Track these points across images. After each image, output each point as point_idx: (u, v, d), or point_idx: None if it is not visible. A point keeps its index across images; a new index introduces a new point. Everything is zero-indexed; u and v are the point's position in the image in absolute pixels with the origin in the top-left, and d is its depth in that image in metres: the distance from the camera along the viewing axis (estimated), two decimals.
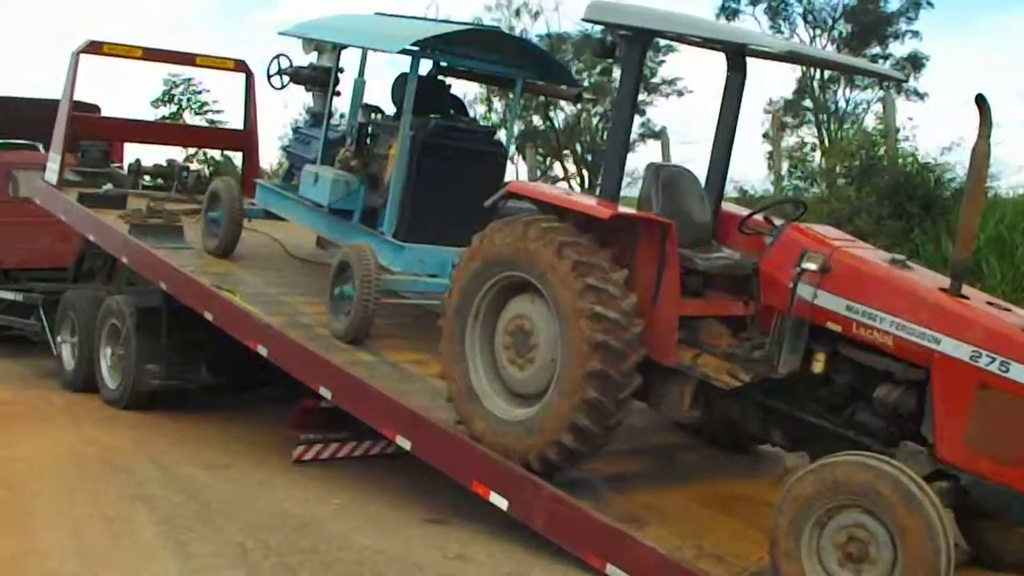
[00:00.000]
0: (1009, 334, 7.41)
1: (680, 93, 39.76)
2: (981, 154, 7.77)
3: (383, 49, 12.30)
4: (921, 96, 44.68)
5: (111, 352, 15.31)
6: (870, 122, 29.74)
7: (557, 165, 40.46)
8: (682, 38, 9.82)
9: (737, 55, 9.54)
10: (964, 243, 7.93)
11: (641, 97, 41.15)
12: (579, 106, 40.60)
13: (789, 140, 35.55)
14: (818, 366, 8.22)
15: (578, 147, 40.83)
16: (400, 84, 12.23)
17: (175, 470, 11.38)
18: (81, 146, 19.39)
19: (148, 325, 14.46)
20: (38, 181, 17.83)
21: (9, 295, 20.19)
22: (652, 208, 9.04)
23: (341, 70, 13.61)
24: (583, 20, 8.94)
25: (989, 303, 8.04)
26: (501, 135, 13.44)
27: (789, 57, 8.57)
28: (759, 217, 9.33)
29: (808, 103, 45.35)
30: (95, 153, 19.69)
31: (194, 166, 24.65)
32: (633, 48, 8.97)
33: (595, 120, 42.08)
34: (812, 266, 8.04)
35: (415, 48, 11.85)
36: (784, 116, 45.03)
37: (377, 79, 12.64)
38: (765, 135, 32.46)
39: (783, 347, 8.19)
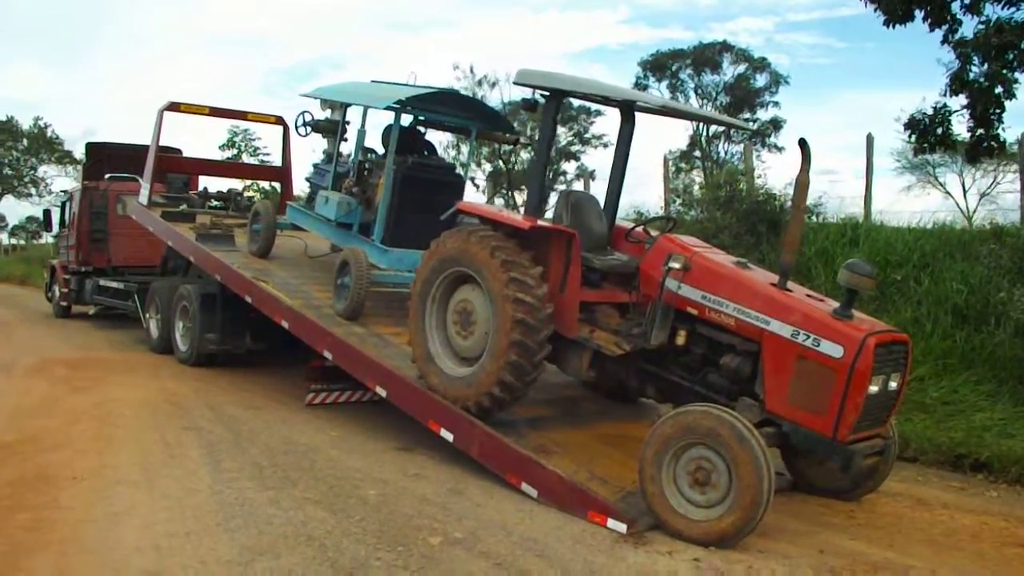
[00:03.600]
0: (819, 318, 7.27)
1: (606, 145, 39.56)
2: (802, 183, 7.72)
3: (374, 106, 12.23)
4: (780, 149, 44.98)
5: (182, 325, 15.37)
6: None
7: (515, 194, 40.29)
8: (586, 96, 9.66)
9: (626, 110, 9.36)
10: (789, 249, 7.81)
11: (576, 148, 41.35)
12: (530, 152, 40.81)
13: (684, 180, 35.30)
14: (680, 340, 8.19)
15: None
16: (387, 132, 12.27)
17: (221, 410, 11.42)
18: (168, 178, 19.31)
19: (208, 305, 14.58)
20: (135, 202, 17.74)
21: (115, 284, 20.54)
22: (563, 222, 8.91)
23: (348, 122, 13.46)
24: (514, 83, 8.77)
25: (808, 295, 7.89)
26: (461, 170, 13.29)
27: (663, 111, 8.44)
28: (640, 230, 9.18)
29: (697, 152, 45.38)
30: (178, 183, 19.62)
31: (249, 193, 24.70)
32: (550, 104, 8.84)
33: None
34: (676, 265, 7.97)
35: (396, 106, 11.74)
36: (680, 162, 45.19)
37: (376, 128, 12.48)
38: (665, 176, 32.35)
39: (655, 325, 8.14)
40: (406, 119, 12.63)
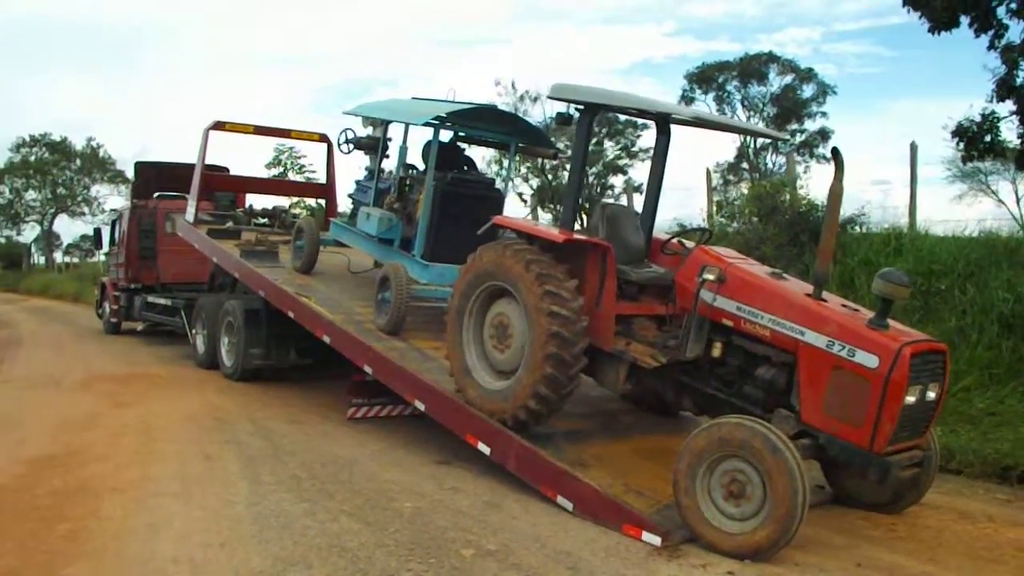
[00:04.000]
0: (854, 328, 7.23)
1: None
2: (835, 193, 7.68)
3: (412, 123, 12.36)
4: (828, 159, 44.61)
5: (228, 340, 15.57)
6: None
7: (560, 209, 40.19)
8: (620, 109, 9.67)
9: (661, 122, 9.37)
10: (823, 259, 7.75)
11: (624, 161, 41.23)
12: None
13: (732, 192, 35.18)
14: (716, 352, 8.19)
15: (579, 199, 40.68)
16: (427, 148, 12.32)
17: (263, 424, 11.59)
18: (215, 196, 19.62)
19: (253, 321, 14.77)
20: (181, 220, 18.04)
21: (163, 300, 20.80)
22: (598, 235, 8.91)
23: (389, 139, 13.55)
24: (548, 97, 8.83)
25: (843, 305, 7.82)
26: (500, 184, 13.35)
27: (695, 122, 8.43)
28: (676, 242, 9.20)
29: (745, 165, 45.23)
30: (225, 200, 20.00)
31: (295, 210, 24.92)
32: (584, 118, 8.85)
33: (591, 178, 41.90)
34: (711, 277, 7.98)
35: (435, 122, 11.83)
36: (728, 174, 45.09)
37: (417, 145, 12.54)
38: (713, 188, 32.21)
39: (690, 337, 8.17)
40: (445, 135, 12.69)
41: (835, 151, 7.58)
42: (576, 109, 8.90)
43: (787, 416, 7.54)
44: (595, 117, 9.06)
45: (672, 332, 8.46)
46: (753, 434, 6.80)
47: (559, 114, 9.13)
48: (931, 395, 7.33)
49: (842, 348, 7.14)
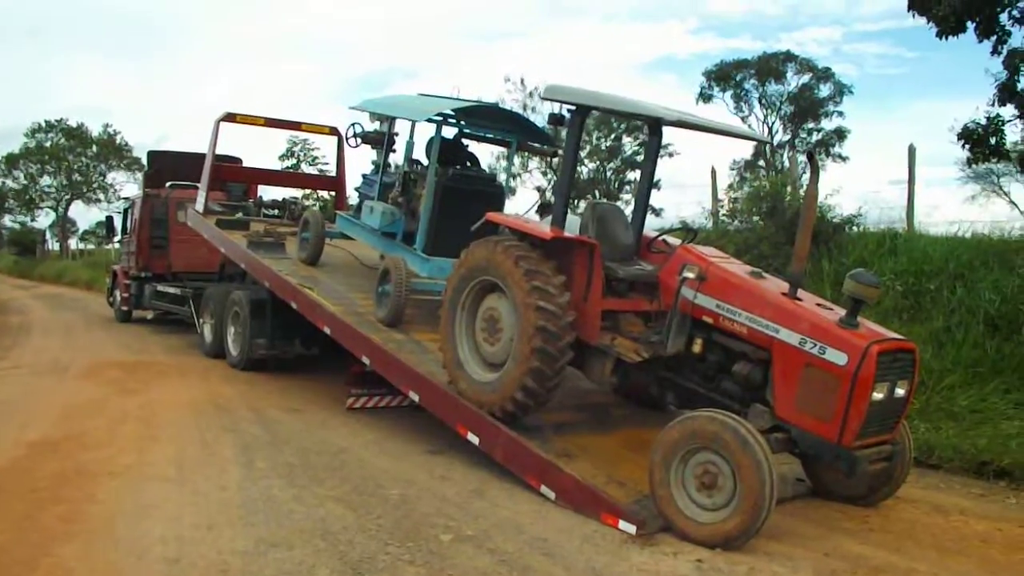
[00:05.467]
0: (826, 327, 7.50)
1: (671, 155, 39.38)
2: (811, 195, 8.05)
3: (415, 119, 12.60)
4: (844, 159, 44.89)
5: (234, 330, 15.92)
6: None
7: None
8: (610, 111, 9.92)
9: (652, 124, 9.69)
10: (798, 259, 8.08)
11: (641, 157, 41.33)
12: (598, 162, 40.91)
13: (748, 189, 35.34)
14: (697, 347, 8.43)
15: (596, 193, 40.86)
16: (430, 144, 12.51)
17: (263, 412, 11.91)
18: (228, 186, 19.89)
19: (258, 311, 15.09)
20: (191, 209, 18.30)
21: (173, 290, 21.20)
22: (588, 233, 9.14)
23: (396, 134, 13.73)
24: (542, 98, 9.10)
25: (818, 304, 8.09)
26: (502, 179, 13.68)
27: (680, 124, 8.57)
28: (661, 240, 9.50)
29: (762, 162, 45.34)
30: (238, 191, 20.27)
31: (308, 202, 25.19)
32: (575, 119, 9.08)
33: (609, 174, 42.12)
34: (691, 275, 8.26)
35: (438, 119, 12.16)
36: (745, 172, 45.20)
37: (423, 140, 12.79)
38: (729, 185, 32.27)
39: (672, 333, 8.39)
40: (449, 131, 12.99)
41: (810, 154, 7.88)
42: (568, 110, 9.15)
43: (762, 411, 7.82)
44: (586, 118, 9.31)
45: (656, 328, 8.72)
46: (724, 428, 7.07)
47: (551, 114, 9.41)
48: (900, 392, 7.60)
49: (813, 346, 7.41)
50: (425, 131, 12.56)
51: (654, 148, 9.94)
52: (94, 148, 66.97)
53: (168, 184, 22.37)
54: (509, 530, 7.33)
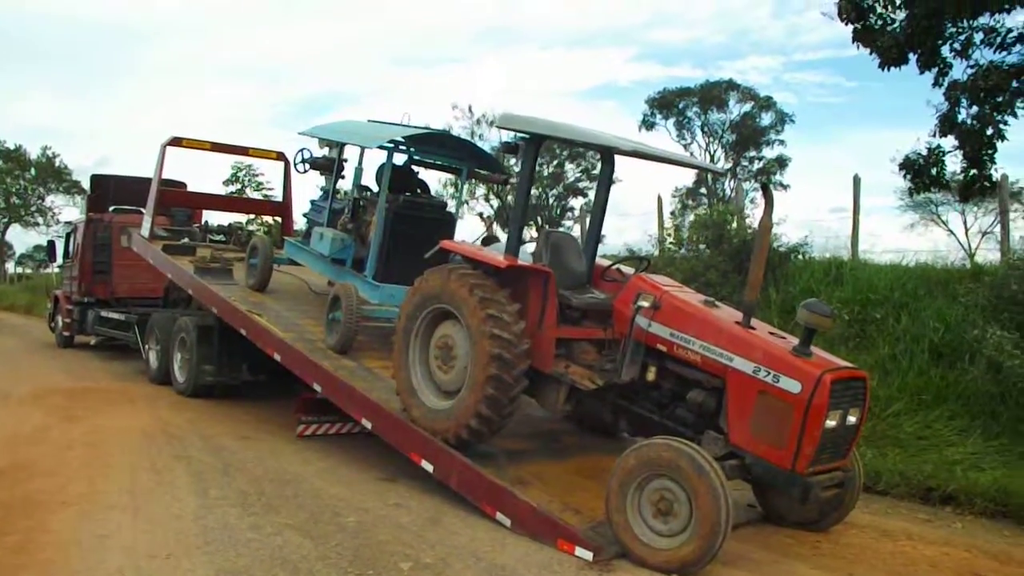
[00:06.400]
0: (779, 355, 7.59)
1: (612, 182, 39.29)
2: (765, 226, 8.18)
3: (367, 146, 12.63)
4: (785, 187, 45.40)
5: (180, 356, 15.73)
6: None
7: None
8: (564, 141, 9.99)
9: (605, 154, 9.81)
10: (752, 289, 8.13)
11: (584, 184, 41.69)
12: (540, 189, 41.13)
13: (691, 217, 35.68)
14: (651, 375, 8.51)
15: (539, 219, 41.11)
16: (380, 170, 12.52)
17: (213, 440, 11.78)
18: (172, 211, 19.79)
19: (205, 337, 14.96)
20: (137, 235, 18.12)
21: (117, 315, 20.89)
22: (542, 261, 9.19)
23: (345, 160, 13.75)
24: (496, 127, 9.16)
25: (771, 333, 8.20)
26: (452, 207, 13.71)
27: (634, 154, 8.64)
28: (615, 269, 9.55)
29: (703, 190, 45.78)
30: (182, 216, 20.24)
31: (253, 227, 25.08)
32: (530, 147, 9.13)
33: (552, 200, 42.34)
34: (645, 304, 8.35)
35: (389, 145, 12.23)
36: (686, 199, 45.63)
37: (373, 166, 12.86)
38: (671, 213, 32.52)
39: (626, 361, 8.47)
40: (399, 158, 13.03)
41: (764, 186, 8.02)
42: (521, 138, 9.23)
43: (716, 438, 7.88)
44: (540, 147, 9.37)
45: (610, 356, 8.79)
46: (680, 455, 7.13)
47: (504, 143, 9.48)
48: (852, 419, 7.69)
49: (767, 374, 7.50)
50: (374, 157, 12.61)
51: (607, 177, 10.03)
52: (32, 171, 66.19)
53: (111, 208, 22.22)
54: (467, 558, 7.33)
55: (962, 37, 13.66)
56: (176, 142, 17.41)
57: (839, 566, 7.75)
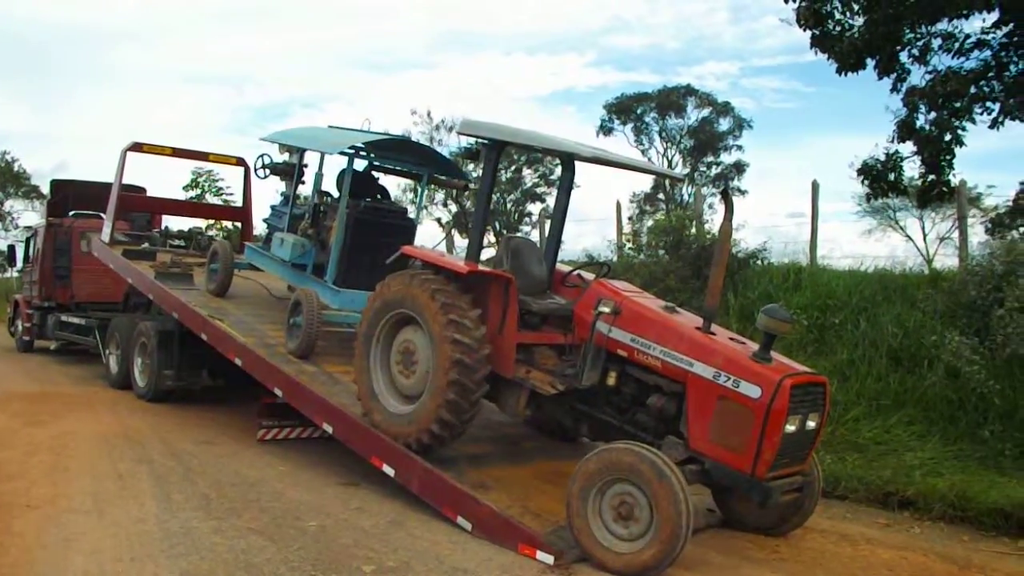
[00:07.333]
0: (739, 360, 7.61)
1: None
2: (725, 233, 8.19)
3: (327, 152, 12.63)
4: (743, 192, 45.61)
5: (141, 361, 15.60)
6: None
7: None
8: (525, 147, 9.99)
9: (565, 160, 9.78)
10: (712, 295, 8.16)
11: (542, 189, 41.57)
12: (498, 194, 41.07)
13: (649, 222, 35.71)
14: (611, 380, 8.53)
15: (497, 224, 41.07)
16: (341, 176, 12.51)
17: (174, 444, 11.69)
18: (131, 216, 19.68)
19: (166, 342, 14.84)
20: (97, 240, 17.99)
21: (77, 320, 20.78)
22: (503, 266, 9.17)
23: (305, 165, 13.70)
24: (458, 132, 9.14)
25: (731, 338, 8.22)
26: (412, 213, 13.65)
27: (595, 160, 8.66)
28: (576, 274, 9.51)
29: (661, 195, 45.88)
30: (141, 221, 20.20)
31: (212, 232, 24.94)
32: (491, 153, 9.12)
33: (509, 205, 42.29)
34: (606, 309, 8.34)
35: (350, 151, 12.23)
36: (644, 204, 45.72)
37: (333, 172, 12.76)
38: (629, 218, 32.57)
39: (586, 366, 8.48)
40: (360, 164, 12.99)
41: (724, 192, 8.04)
42: (483, 144, 9.21)
43: (676, 443, 7.89)
44: (501, 153, 9.35)
45: (570, 361, 8.80)
46: (641, 459, 7.14)
47: (465, 148, 9.47)
48: (811, 424, 7.73)
49: (727, 379, 7.51)
50: (334, 163, 12.57)
51: (567, 183, 10.01)
52: None
53: (72, 213, 22.08)
54: (430, 560, 7.30)
55: (920, 43, 13.82)
56: (137, 147, 17.29)
57: (798, 570, 7.77)
